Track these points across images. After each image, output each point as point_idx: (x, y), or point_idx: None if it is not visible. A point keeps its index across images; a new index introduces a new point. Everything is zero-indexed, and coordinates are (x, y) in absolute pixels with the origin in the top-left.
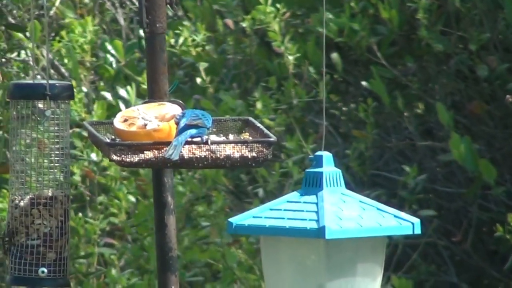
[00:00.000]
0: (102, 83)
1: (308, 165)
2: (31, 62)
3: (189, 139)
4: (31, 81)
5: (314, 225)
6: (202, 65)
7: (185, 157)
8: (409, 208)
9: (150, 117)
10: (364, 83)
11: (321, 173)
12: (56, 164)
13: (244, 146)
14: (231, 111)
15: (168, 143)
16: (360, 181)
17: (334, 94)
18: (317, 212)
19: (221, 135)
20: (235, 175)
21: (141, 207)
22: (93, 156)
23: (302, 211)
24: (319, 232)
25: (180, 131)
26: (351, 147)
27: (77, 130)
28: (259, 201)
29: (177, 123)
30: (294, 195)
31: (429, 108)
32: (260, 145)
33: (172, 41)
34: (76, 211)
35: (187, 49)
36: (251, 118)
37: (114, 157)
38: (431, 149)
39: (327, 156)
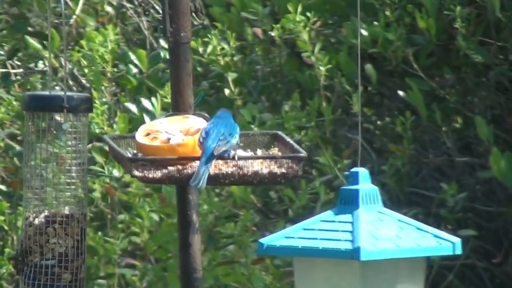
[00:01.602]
0: (123, 95)
1: (338, 185)
2: (48, 72)
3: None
4: (47, 93)
5: (349, 245)
6: (231, 76)
7: (212, 174)
8: (446, 227)
9: (174, 130)
10: (401, 93)
11: (357, 190)
12: (74, 180)
13: (273, 162)
14: (248, 124)
15: (193, 159)
16: (396, 199)
17: (368, 107)
18: (352, 232)
19: (249, 150)
20: (263, 192)
21: (164, 227)
22: (114, 172)
23: (337, 231)
24: (354, 253)
25: (206, 154)
26: (387, 163)
27: (98, 144)
28: (287, 220)
29: (202, 144)
30: (328, 214)
31: (467, 122)
32: (289, 161)
33: (201, 49)
34: (96, 230)
35: (216, 58)
36: (280, 132)
37: (136, 173)
38: (470, 165)
39: (363, 172)
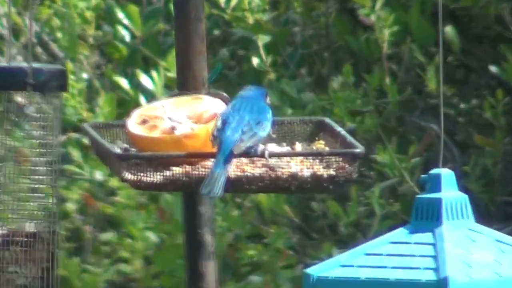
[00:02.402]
0: (110, 67)
1: (404, 192)
2: (7, 36)
3: None
4: (5, 64)
5: (432, 276)
6: (262, 39)
7: (232, 177)
8: None
9: (180, 117)
10: (492, 68)
11: (440, 200)
12: (41, 186)
13: (317, 161)
14: (283, 107)
15: (207, 156)
16: (485, 210)
17: (448, 84)
18: (435, 257)
19: (284, 144)
20: (303, 202)
21: (164, 251)
22: (97, 174)
23: (413, 256)
24: (440, 285)
25: (223, 151)
26: (471, 162)
27: (74, 135)
28: (334, 242)
29: (217, 137)
30: (400, 234)
31: None
32: (340, 159)
33: (222, 1)
34: (70, 254)
35: (242, 14)
36: (327, 119)
37: (128, 176)
38: None
39: (447, 174)
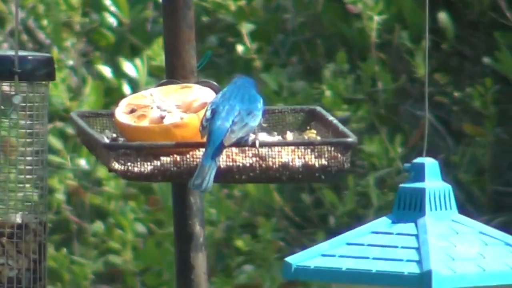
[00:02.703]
0: (97, 55)
1: (397, 183)
2: None
3: None
4: None
5: (414, 268)
6: (245, 28)
7: (222, 167)
8: None
9: (170, 106)
10: (486, 59)
11: (423, 189)
12: (28, 176)
13: (308, 150)
14: (276, 96)
15: (196, 145)
16: (477, 201)
17: (441, 72)
18: (418, 249)
19: (275, 133)
20: (294, 193)
21: (152, 242)
22: (83, 163)
23: (395, 247)
24: (424, 279)
25: (213, 142)
26: (460, 151)
27: (60, 124)
28: (326, 232)
29: (206, 127)
30: (382, 223)
31: None
32: (332, 148)
33: None
34: (58, 246)
35: (224, 2)
36: (319, 108)
37: (116, 166)
38: None
39: (431, 164)
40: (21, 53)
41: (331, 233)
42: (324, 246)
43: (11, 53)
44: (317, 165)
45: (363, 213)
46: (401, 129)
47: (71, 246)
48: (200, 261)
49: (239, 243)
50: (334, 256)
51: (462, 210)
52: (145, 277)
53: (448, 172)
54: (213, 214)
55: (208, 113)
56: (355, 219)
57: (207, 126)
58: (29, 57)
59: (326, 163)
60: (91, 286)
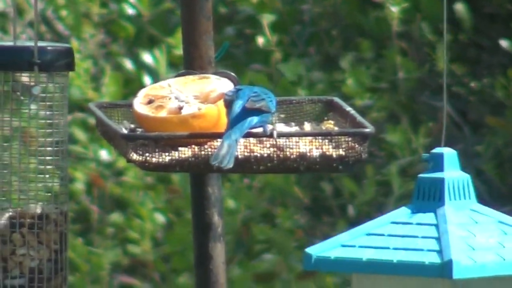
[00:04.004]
0: (116, 46)
1: (419, 170)
2: (11, 14)
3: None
4: (10, 43)
5: (435, 258)
6: (267, 18)
7: (240, 157)
8: None
9: (187, 96)
10: (503, 42)
11: (442, 179)
12: (49, 167)
13: (326, 141)
14: (294, 86)
15: (214, 136)
16: (497, 192)
17: (459, 63)
18: (438, 239)
19: (293, 124)
20: (312, 183)
21: (177, 229)
22: (103, 154)
23: (416, 237)
24: (444, 269)
25: (234, 120)
26: (484, 142)
27: (80, 115)
28: (346, 221)
29: (228, 106)
30: (401, 213)
31: None
32: (350, 139)
33: None
34: (77, 236)
35: None
36: (337, 99)
37: (135, 156)
38: None
39: (450, 154)
40: (41, 43)
41: (350, 224)
42: (344, 236)
43: (31, 44)
44: (334, 155)
45: (383, 202)
46: (419, 119)
47: (89, 237)
48: (219, 251)
49: (258, 231)
50: (354, 246)
51: (482, 200)
52: (165, 267)
53: (466, 162)
54: (232, 204)
55: (229, 92)
56: (374, 209)
57: (230, 102)
58: (49, 48)
59: (343, 153)
60: (110, 276)
